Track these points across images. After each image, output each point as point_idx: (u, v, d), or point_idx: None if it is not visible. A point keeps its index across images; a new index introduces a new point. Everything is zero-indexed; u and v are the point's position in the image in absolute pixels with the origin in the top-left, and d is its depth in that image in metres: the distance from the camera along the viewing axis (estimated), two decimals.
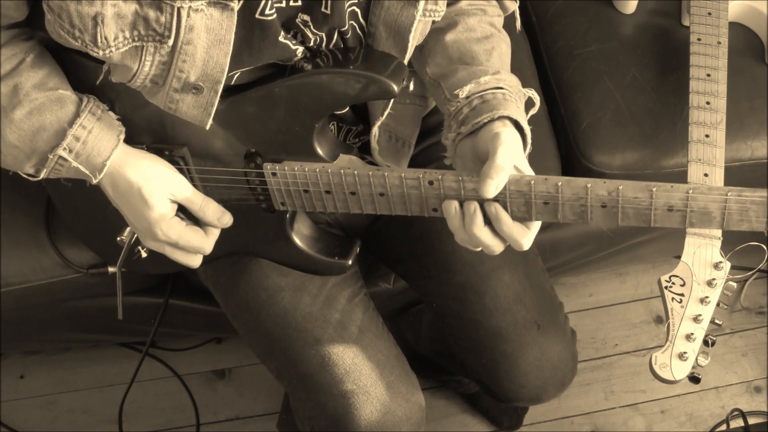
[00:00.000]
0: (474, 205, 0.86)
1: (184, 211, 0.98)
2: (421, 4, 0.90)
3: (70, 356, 1.78)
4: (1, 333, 1.48)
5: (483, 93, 0.92)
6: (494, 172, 0.83)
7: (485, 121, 0.89)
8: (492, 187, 0.83)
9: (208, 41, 0.83)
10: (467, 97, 0.93)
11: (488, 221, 0.87)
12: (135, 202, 0.94)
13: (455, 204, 0.87)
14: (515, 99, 0.93)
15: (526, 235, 0.87)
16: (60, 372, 1.77)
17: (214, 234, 1.01)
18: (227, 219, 1.00)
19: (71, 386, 1.76)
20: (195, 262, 1.01)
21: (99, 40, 0.81)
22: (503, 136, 0.85)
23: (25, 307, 1.38)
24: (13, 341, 1.61)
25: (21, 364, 1.78)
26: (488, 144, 0.86)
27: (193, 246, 0.98)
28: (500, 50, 0.99)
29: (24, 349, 1.77)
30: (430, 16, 0.93)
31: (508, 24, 1.06)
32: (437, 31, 1.00)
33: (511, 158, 0.85)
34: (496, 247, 0.88)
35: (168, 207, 0.95)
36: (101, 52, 0.82)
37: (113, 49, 0.82)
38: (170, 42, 0.82)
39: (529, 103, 0.97)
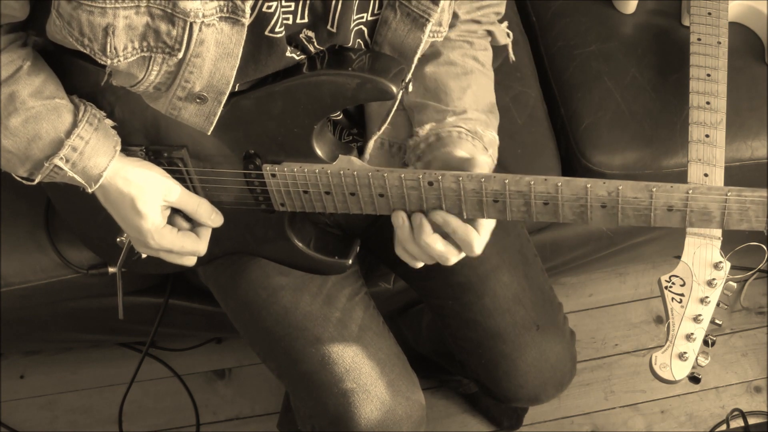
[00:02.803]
0: (420, 216, 0.88)
1: (178, 211, 0.99)
2: (428, 27, 0.91)
3: (70, 356, 1.78)
4: (1, 333, 1.48)
5: (440, 131, 0.97)
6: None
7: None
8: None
9: (216, 54, 0.83)
10: (426, 134, 0.98)
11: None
12: (127, 212, 0.94)
13: (402, 215, 0.89)
14: (471, 138, 0.97)
15: (477, 239, 0.88)
16: (60, 372, 1.77)
17: (207, 234, 1.01)
18: (219, 219, 1.00)
19: (71, 386, 1.76)
20: (190, 262, 1.02)
21: (108, 50, 0.81)
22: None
23: (25, 307, 1.38)
24: (13, 341, 1.61)
25: (21, 364, 1.78)
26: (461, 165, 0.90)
27: (187, 251, 0.99)
28: (476, 87, 1.02)
29: (24, 349, 1.77)
30: (434, 36, 0.95)
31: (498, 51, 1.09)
32: (419, 57, 1.02)
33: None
34: (450, 254, 0.89)
35: (160, 217, 0.95)
36: (109, 61, 0.82)
37: (121, 58, 0.82)
38: (180, 54, 0.82)
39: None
